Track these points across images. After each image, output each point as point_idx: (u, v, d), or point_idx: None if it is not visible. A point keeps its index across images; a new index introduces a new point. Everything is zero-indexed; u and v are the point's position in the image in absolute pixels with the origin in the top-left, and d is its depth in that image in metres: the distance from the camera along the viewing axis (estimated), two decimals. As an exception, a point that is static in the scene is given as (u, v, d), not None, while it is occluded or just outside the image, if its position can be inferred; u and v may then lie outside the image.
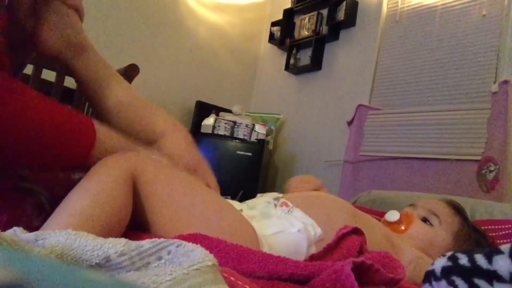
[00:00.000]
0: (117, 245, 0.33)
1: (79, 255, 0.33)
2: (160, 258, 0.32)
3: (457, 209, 0.93)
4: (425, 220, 0.89)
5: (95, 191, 0.56)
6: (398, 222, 0.88)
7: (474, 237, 0.89)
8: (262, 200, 0.79)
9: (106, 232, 0.53)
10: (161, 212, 0.61)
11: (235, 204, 0.77)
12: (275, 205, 0.76)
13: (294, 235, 0.67)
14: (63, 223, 0.52)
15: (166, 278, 0.28)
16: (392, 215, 0.90)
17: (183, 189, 0.64)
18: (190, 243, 0.32)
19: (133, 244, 0.33)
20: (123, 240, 0.34)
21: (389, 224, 0.89)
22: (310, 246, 0.67)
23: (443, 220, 0.88)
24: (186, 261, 0.30)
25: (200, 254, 0.30)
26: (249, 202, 0.81)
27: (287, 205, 0.75)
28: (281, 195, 0.80)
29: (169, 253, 0.32)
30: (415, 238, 0.85)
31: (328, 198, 0.84)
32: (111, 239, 0.34)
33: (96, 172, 0.59)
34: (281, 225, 0.69)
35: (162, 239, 0.33)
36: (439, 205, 0.93)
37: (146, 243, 0.33)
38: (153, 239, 0.34)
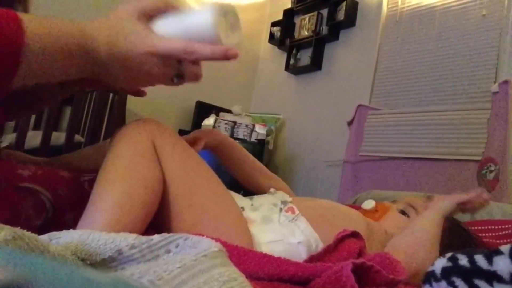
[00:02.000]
0: (128, 239, 0.35)
1: (93, 249, 0.35)
2: (168, 251, 0.34)
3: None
4: (403, 212, 0.92)
5: (123, 175, 0.55)
6: (373, 211, 0.91)
7: (454, 229, 0.89)
8: (269, 201, 0.76)
9: (145, 212, 0.55)
10: (165, 193, 0.60)
11: (240, 199, 0.75)
12: (281, 209, 0.72)
13: (293, 246, 0.64)
14: (101, 218, 0.52)
15: (176, 265, 0.29)
16: (368, 204, 0.94)
17: (192, 173, 0.63)
18: (197, 236, 0.34)
19: (143, 238, 0.35)
20: (134, 235, 0.36)
21: (364, 212, 0.92)
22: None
23: (420, 211, 0.91)
24: (194, 251, 0.32)
25: (206, 243, 0.32)
26: (256, 199, 0.78)
27: (293, 212, 0.72)
28: (290, 199, 0.78)
29: (177, 246, 0.34)
30: (391, 226, 0.86)
31: (342, 215, 0.79)
32: (123, 233, 0.36)
33: (120, 147, 0.58)
34: (281, 233, 0.66)
35: (170, 234, 0.35)
36: (416, 198, 0.97)
37: (155, 237, 0.34)
38: (162, 234, 0.35)
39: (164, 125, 0.64)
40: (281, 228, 0.67)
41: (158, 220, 0.60)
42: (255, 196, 0.80)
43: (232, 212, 0.64)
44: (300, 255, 0.64)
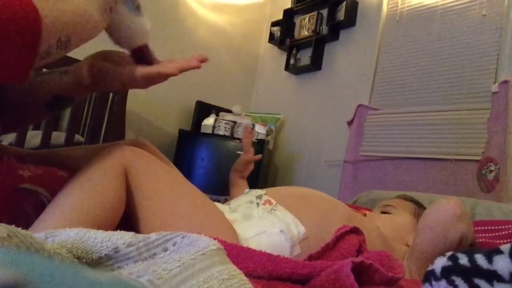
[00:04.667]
0: (125, 237, 0.35)
1: (89, 247, 0.34)
2: (166, 250, 0.34)
3: (406, 198, 1.03)
4: (384, 213, 0.97)
5: (86, 186, 0.56)
6: None
7: None
8: (245, 200, 0.78)
9: (98, 226, 0.54)
10: (147, 208, 0.62)
11: (219, 206, 0.77)
12: (258, 204, 0.75)
13: (276, 235, 0.66)
14: (54, 218, 0.52)
15: (175, 264, 0.29)
16: None
17: (171, 188, 0.65)
18: (195, 234, 0.34)
19: (140, 236, 0.35)
20: (131, 233, 0.36)
21: None
22: (294, 247, 0.66)
23: (398, 206, 0.97)
24: (192, 249, 0.31)
25: (204, 241, 0.32)
26: (233, 203, 0.80)
27: (270, 203, 0.74)
28: (264, 192, 0.79)
29: (174, 244, 0.34)
30: (384, 227, 0.87)
31: (322, 198, 0.82)
32: (119, 232, 0.36)
33: (89, 166, 0.60)
34: (263, 225, 0.68)
35: (168, 232, 0.35)
36: (391, 200, 1.03)
37: (153, 235, 0.34)
38: (160, 232, 0.35)
39: (139, 150, 0.66)
40: (262, 221, 0.69)
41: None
42: (231, 201, 0.83)
43: (215, 216, 0.66)
44: (283, 244, 0.66)
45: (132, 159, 0.63)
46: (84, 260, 0.34)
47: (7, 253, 0.18)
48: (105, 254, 0.34)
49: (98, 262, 0.34)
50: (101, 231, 0.36)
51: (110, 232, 0.36)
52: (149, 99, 2.85)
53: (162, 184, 0.64)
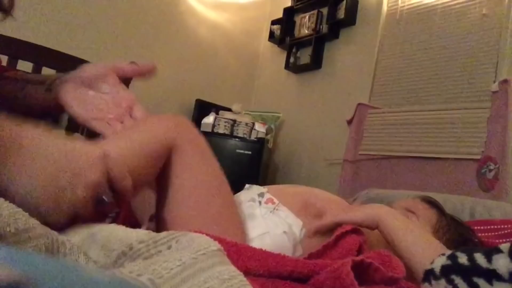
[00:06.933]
0: (139, 233, 0.36)
1: (111, 244, 0.36)
2: (169, 247, 0.34)
3: (432, 203, 0.92)
4: None
5: (140, 131, 0.59)
6: None
7: (454, 227, 0.87)
8: (246, 198, 0.77)
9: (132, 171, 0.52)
10: (175, 197, 0.60)
11: None
12: (260, 203, 0.74)
13: (279, 236, 0.66)
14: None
15: (176, 263, 0.29)
16: None
17: (208, 185, 0.62)
18: (196, 233, 0.35)
19: (153, 233, 0.36)
20: (146, 231, 0.38)
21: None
22: (296, 247, 0.67)
23: (420, 215, 0.87)
24: (192, 245, 0.32)
25: (205, 241, 0.32)
26: (235, 198, 0.78)
27: (272, 202, 0.73)
28: (265, 189, 0.78)
29: (177, 241, 0.34)
30: None
31: (325, 198, 0.81)
32: (137, 229, 0.38)
33: (146, 122, 0.63)
34: (266, 226, 0.68)
35: (176, 231, 0.36)
36: (413, 202, 0.92)
37: (162, 233, 0.36)
38: (169, 231, 0.36)
39: (190, 133, 0.65)
40: (265, 221, 0.69)
41: (168, 223, 0.60)
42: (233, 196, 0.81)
43: (236, 220, 0.65)
44: (286, 245, 0.66)
45: (183, 141, 0.61)
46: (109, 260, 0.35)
47: (7, 253, 0.18)
48: (122, 251, 0.35)
49: (116, 262, 0.35)
50: (123, 227, 0.38)
51: (130, 229, 0.38)
52: (148, 98, 2.85)
53: (199, 179, 0.62)
